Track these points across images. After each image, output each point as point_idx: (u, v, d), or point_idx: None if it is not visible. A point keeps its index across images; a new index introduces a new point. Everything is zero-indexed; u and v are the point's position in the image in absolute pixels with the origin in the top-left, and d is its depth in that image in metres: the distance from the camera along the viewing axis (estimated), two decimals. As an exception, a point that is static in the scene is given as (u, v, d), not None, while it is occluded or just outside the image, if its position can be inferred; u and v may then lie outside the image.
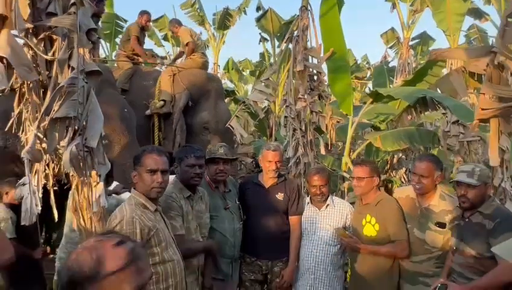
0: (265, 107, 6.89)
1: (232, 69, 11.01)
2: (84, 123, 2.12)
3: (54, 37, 2.05)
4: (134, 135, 4.55)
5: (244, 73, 12.24)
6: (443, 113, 5.93)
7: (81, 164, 2.14)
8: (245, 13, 9.96)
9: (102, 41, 10.25)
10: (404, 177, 8.24)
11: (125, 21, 10.67)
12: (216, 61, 10.69)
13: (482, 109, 2.62)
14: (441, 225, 2.75)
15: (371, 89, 10.44)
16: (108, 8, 10.91)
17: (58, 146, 1.98)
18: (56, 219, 2.40)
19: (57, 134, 1.97)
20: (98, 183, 2.34)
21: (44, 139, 1.98)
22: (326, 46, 4.99)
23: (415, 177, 2.79)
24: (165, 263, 2.26)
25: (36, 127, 1.93)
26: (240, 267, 3.32)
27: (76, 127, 2.07)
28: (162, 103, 5.57)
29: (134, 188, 2.35)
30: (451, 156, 5.94)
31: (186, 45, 5.91)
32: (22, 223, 2.36)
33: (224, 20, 9.86)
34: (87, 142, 2.13)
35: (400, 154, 8.30)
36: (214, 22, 10.37)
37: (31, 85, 2.06)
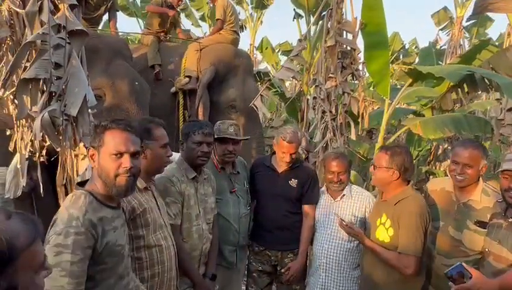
0: (298, 90, 6.50)
1: (266, 48, 10.59)
2: (64, 88, 1.89)
3: (32, -10, 1.84)
4: (145, 110, 4.35)
5: (279, 54, 11.76)
6: (497, 99, 5.28)
7: (61, 133, 1.92)
8: (285, -8, 9.49)
9: (140, 20, 10.28)
10: (450, 170, 7.48)
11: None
12: (253, 42, 10.32)
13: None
14: (482, 225, 2.30)
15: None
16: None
17: (29, 111, 1.78)
18: (42, 194, 2.21)
19: (28, 97, 1.77)
20: (85, 156, 2.13)
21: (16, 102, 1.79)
22: (364, 18, 4.49)
23: (457, 166, 2.35)
24: (151, 248, 2.02)
25: (0, 87, 1.74)
26: (248, 256, 3.06)
27: (53, 92, 1.85)
28: (187, 79, 5.34)
29: None
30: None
31: (217, 20, 5.64)
32: (6, 196, 2.23)
33: (262, -1, 9.43)
34: (67, 110, 1.91)
35: (446, 145, 7.62)
36: (252, 0, 9.98)
37: (8, 43, 1.88)
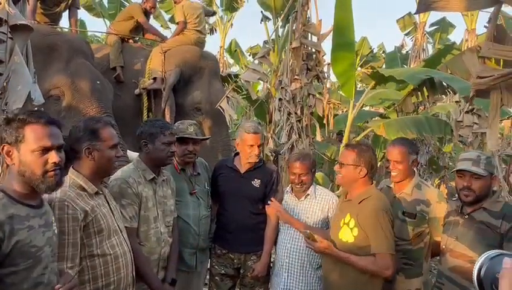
0: (266, 92, 6.49)
1: (235, 51, 10.57)
2: (5, 85, 1.79)
3: (-31, -20, 1.73)
4: (108, 110, 4.22)
5: (250, 57, 11.78)
6: (456, 102, 5.46)
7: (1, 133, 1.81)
8: (255, -5, 9.52)
9: (107, 21, 10.04)
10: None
11: (130, 2, 10.41)
12: (223, 45, 10.29)
13: (480, 78, 2.14)
14: (409, 215, 2.48)
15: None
16: (113, -11, 10.66)
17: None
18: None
19: (-36, 95, 1.66)
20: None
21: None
22: (336, 18, 4.54)
23: (389, 163, 2.60)
24: (105, 256, 1.92)
25: None
26: (210, 260, 3.00)
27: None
28: (151, 81, 5.23)
29: (72, 167, 2.01)
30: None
31: (177, 23, 5.57)
32: None
33: (232, 2, 9.43)
34: (8, 108, 1.81)
35: (411, 147, 7.80)
36: (222, 3, 9.96)
37: None
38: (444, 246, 2.29)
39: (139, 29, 5.83)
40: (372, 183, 2.46)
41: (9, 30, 1.82)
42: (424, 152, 8.32)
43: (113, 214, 2.05)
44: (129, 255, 2.06)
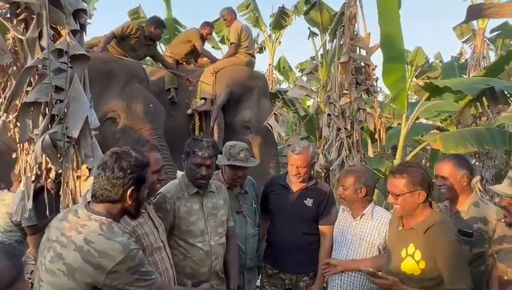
0: (316, 107, 6.44)
1: (284, 68, 10.61)
2: (65, 111, 1.93)
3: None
4: (160, 131, 4.41)
5: (297, 72, 11.78)
6: (523, 111, 5.05)
7: (62, 155, 1.95)
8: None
9: (162, 45, 10.58)
10: (479, 188, 7.15)
11: (185, 27, 10.92)
12: (271, 62, 10.41)
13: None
14: (466, 234, 2.30)
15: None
16: (167, 14, 11.25)
17: (31, 134, 1.83)
18: (49, 216, 2.22)
19: (30, 121, 1.82)
20: (87, 177, 2.15)
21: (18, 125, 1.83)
22: (381, 32, 4.46)
23: (438, 179, 2.50)
24: None
25: (3, 112, 1.79)
26: (260, 279, 2.98)
27: (55, 115, 1.89)
28: (202, 101, 5.41)
29: None
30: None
31: (231, 44, 5.74)
32: (14, 218, 2.27)
33: (280, 20, 9.57)
34: (69, 132, 1.94)
35: (473, 161, 7.30)
36: (270, 22, 10.15)
37: (13, 69, 1.94)
38: (505, 278, 2.09)
39: (194, 52, 6.08)
40: (431, 207, 2.20)
41: (69, 60, 1.97)
42: (490, 166, 7.71)
43: (157, 230, 2.10)
44: (171, 270, 2.09)
